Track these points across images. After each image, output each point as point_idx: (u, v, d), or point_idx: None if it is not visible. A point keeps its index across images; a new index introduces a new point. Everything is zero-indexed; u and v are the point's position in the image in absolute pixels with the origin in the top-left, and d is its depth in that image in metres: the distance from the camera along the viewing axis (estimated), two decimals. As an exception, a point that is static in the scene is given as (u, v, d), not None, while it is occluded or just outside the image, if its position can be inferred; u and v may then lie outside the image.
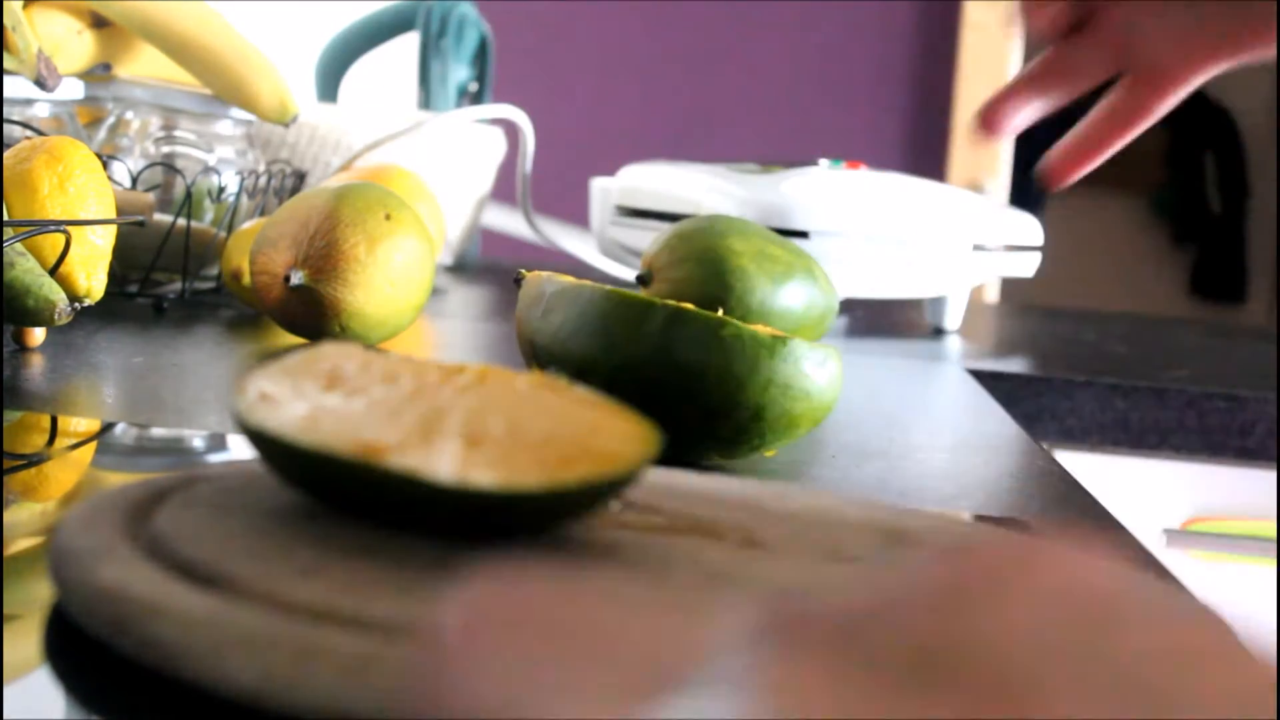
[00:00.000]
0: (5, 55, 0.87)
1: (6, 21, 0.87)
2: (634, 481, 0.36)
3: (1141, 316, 1.59)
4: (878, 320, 1.21)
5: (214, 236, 0.92)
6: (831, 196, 1.01)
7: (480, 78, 1.41)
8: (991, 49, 2.34)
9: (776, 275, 0.73)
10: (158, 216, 0.89)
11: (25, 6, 0.92)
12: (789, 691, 0.16)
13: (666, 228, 0.76)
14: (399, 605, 0.31)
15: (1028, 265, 1.10)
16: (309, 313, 0.73)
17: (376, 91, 1.75)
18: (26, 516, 0.45)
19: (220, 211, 0.96)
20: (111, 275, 0.76)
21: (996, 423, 0.75)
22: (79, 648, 0.32)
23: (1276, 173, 3.47)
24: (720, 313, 0.58)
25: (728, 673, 0.17)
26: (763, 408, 0.53)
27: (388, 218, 0.73)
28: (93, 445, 0.56)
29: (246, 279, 0.84)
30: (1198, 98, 3.53)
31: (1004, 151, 2.37)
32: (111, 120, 0.99)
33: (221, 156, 1.00)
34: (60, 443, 0.57)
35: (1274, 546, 0.98)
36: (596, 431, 0.36)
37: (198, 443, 0.57)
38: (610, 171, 1.18)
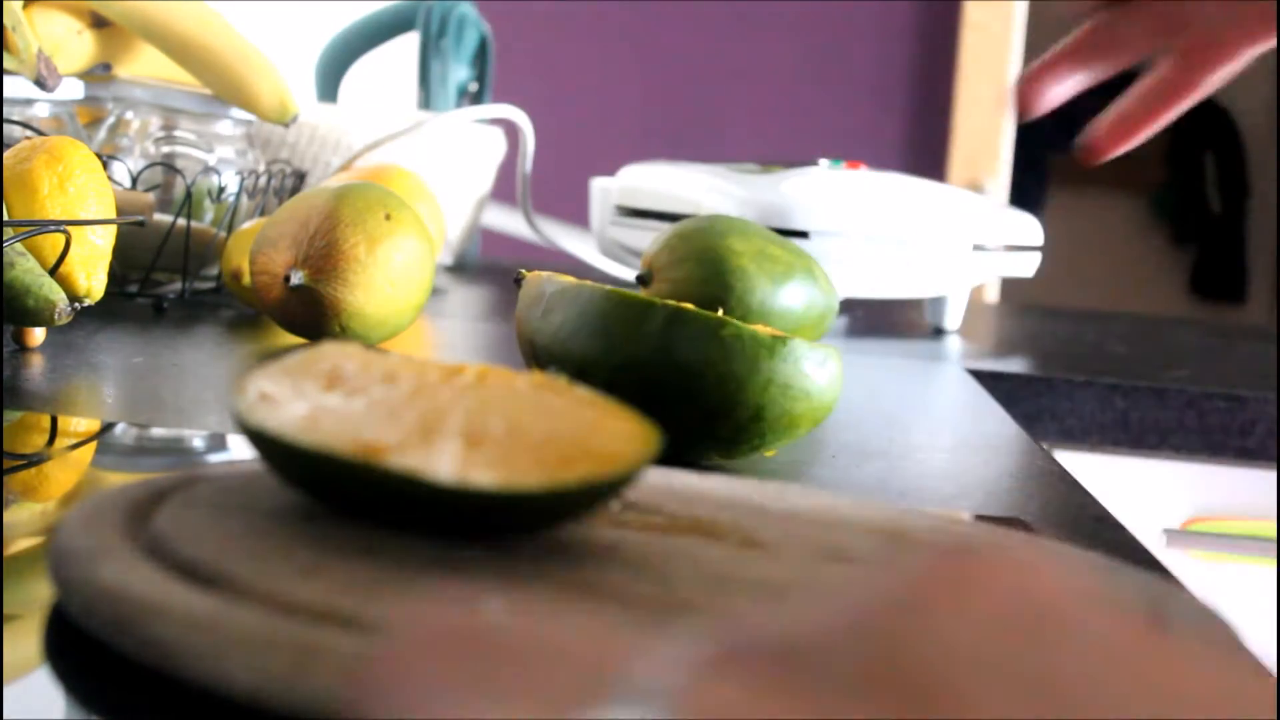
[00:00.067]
0: (5, 55, 0.87)
1: (6, 21, 0.87)
2: (634, 481, 0.36)
3: (1141, 316, 1.59)
4: (878, 320, 1.21)
5: (214, 236, 0.92)
6: (831, 196, 1.01)
7: (480, 78, 1.41)
8: (991, 49, 2.34)
9: (776, 275, 0.73)
10: (158, 216, 0.89)
11: (25, 6, 0.92)
12: (707, 705, 0.16)
13: (666, 228, 0.75)
14: (399, 605, 0.31)
15: (1028, 265, 1.10)
16: (309, 313, 0.73)
17: (376, 91, 1.75)
18: (26, 516, 0.45)
19: (220, 211, 0.96)
20: (111, 275, 0.76)
21: (996, 423, 0.75)
22: (79, 648, 0.32)
23: (1276, 173, 3.47)
24: (720, 313, 0.58)
25: (649, 689, 0.17)
26: (763, 408, 0.53)
27: (388, 218, 0.73)
28: (93, 445, 0.56)
29: (246, 279, 0.84)
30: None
31: (1004, 151, 2.37)
32: (111, 120, 0.99)
33: (221, 156, 1.00)
34: (60, 443, 0.57)
35: (1274, 546, 0.98)
36: (596, 431, 0.36)
37: (198, 443, 0.57)
38: (610, 171, 1.18)
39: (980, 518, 0.53)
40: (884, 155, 2.34)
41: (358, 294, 0.72)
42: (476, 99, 1.41)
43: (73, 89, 0.93)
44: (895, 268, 1.02)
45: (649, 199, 1.08)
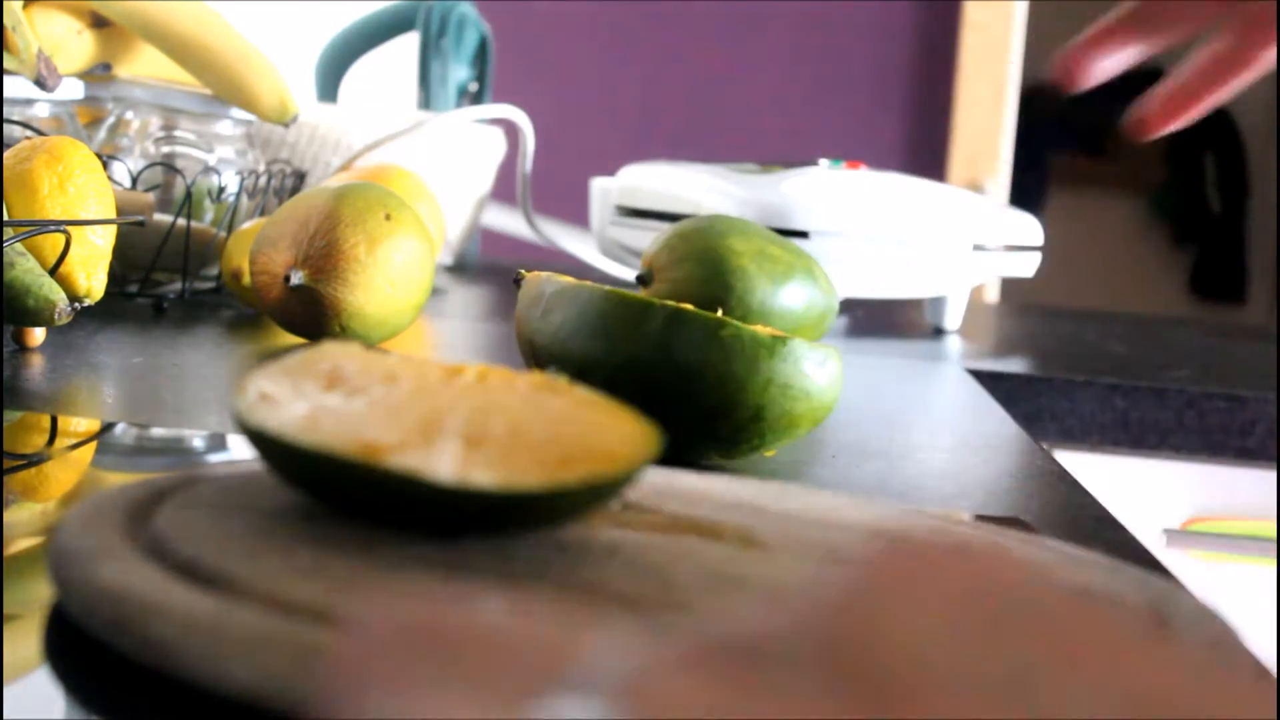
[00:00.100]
0: (5, 55, 0.87)
1: (6, 21, 0.87)
2: (634, 481, 0.36)
3: (1141, 316, 1.59)
4: (878, 320, 1.21)
5: (214, 236, 0.92)
6: (831, 196, 1.01)
7: (480, 78, 1.41)
8: (991, 49, 2.34)
9: (776, 275, 0.73)
10: (158, 216, 0.89)
11: (25, 6, 0.92)
12: (660, 700, 0.16)
13: (666, 228, 0.75)
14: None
15: (1028, 265, 1.10)
16: (309, 313, 0.73)
17: (376, 91, 1.75)
18: (26, 516, 0.45)
19: (220, 211, 0.96)
20: (111, 275, 0.76)
21: (996, 423, 0.75)
22: (79, 648, 0.32)
23: (1276, 173, 3.47)
24: (720, 313, 0.58)
25: (601, 683, 0.17)
26: (763, 408, 0.53)
27: (388, 218, 0.73)
28: (93, 445, 0.56)
29: (246, 279, 0.84)
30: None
31: (1004, 151, 2.37)
32: (111, 120, 0.99)
33: (221, 156, 1.00)
34: (60, 443, 0.57)
35: (1274, 546, 0.98)
36: (596, 431, 0.36)
37: (198, 443, 0.57)
38: (610, 171, 1.18)
39: (980, 518, 0.53)
40: (884, 155, 2.34)
41: (358, 294, 0.72)
42: (476, 99, 1.41)
43: (73, 89, 0.93)
44: (895, 268, 1.02)
45: (649, 199, 1.08)
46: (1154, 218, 3.65)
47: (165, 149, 0.99)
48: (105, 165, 0.77)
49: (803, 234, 1.00)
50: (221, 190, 0.96)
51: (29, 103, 0.91)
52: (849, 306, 1.24)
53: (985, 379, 0.96)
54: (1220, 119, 3.54)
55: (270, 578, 0.32)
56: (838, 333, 1.10)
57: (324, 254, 0.72)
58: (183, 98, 0.98)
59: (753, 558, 0.37)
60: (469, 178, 1.29)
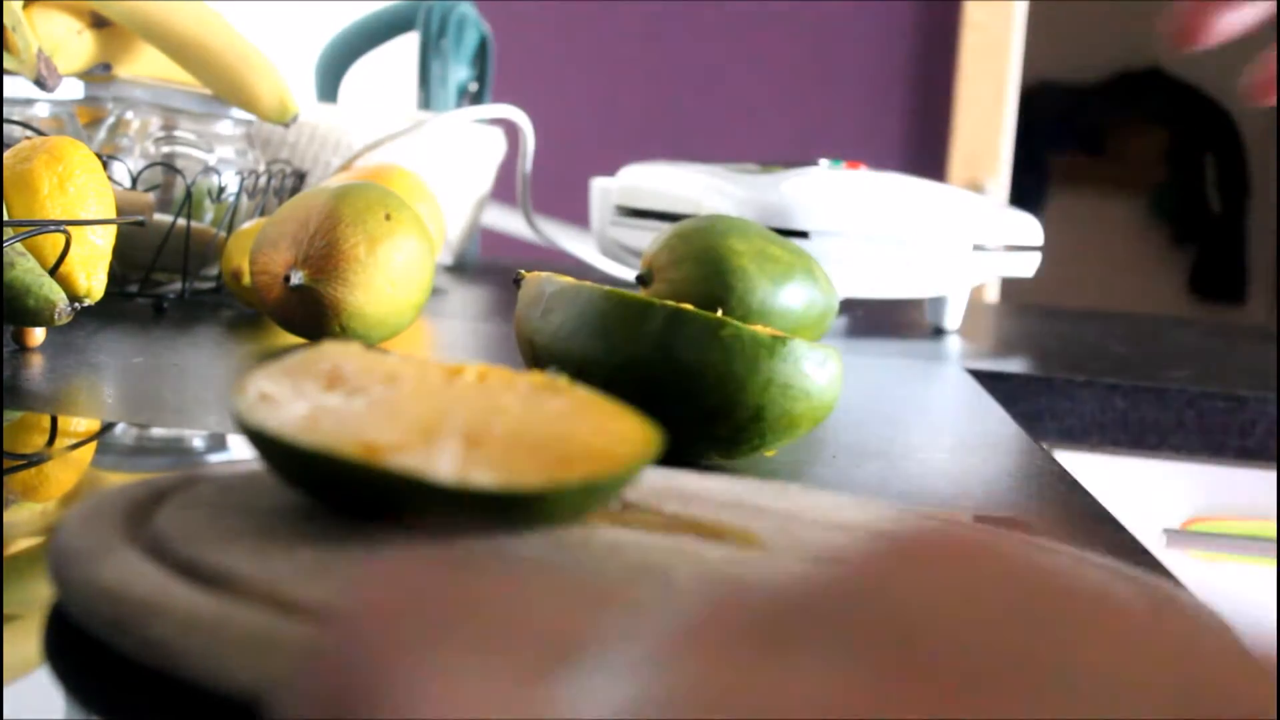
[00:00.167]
0: (5, 55, 0.87)
1: (6, 21, 0.87)
2: (634, 481, 0.36)
3: (1141, 316, 1.59)
4: (878, 320, 1.21)
5: (214, 236, 0.92)
6: (831, 196, 1.01)
7: (480, 78, 1.41)
8: (991, 49, 2.34)
9: (776, 275, 0.73)
10: (158, 216, 0.89)
11: (25, 6, 0.92)
12: (686, 667, 0.16)
13: (666, 228, 0.75)
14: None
15: (1028, 265, 1.10)
16: (309, 313, 0.73)
17: (376, 91, 1.75)
18: (26, 516, 0.45)
19: (220, 211, 0.96)
20: (111, 275, 0.76)
21: (996, 423, 0.75)
22: (79, 648, 0.32)
23: (1276, 173, 3.47)
24: (720, 313, 0.58)
25: (626, 653, 0.17)
26: (763, 408, 0.53)
27: (388, 218, 0.73)
28: (93, 445, 0.56)
29: (246, 279, 0.84)
30: (1198, 98, 3.53)
31: (1004, 151, 2.37)
32: (111, 120, 0.99)
33: (221, 156, 1.00)
34: (60, 443, 0.57)
35: (1274, 546, 0.98)
36: (596, 431, 0.37)
37: (198, 443, 0.57)
38: (610, 171, 1.18)
39: (980, 518, 0.53)
40: (884, 155, 2.34)
41: (358, 294, 0.72)
42: (476, 99, 1.41)
43: (73, 89, 0.94)
44: (895, 268, 1.02)
45: (649, 199, 1.08)
46: (1154, 218, 3.65)
47: (165, 149, 0.99)
48: (105, 165, 0.77)
49: (803, 234, 1.00)
50: (221, 190, 0.96)
51: (29, 103, 0.91)
52: (849, 306, 1.24)
53: (985, 379, 0.96)
54: (1220, 119, 3.54)
55: (270, 578, 0.32)
56: (838, 333, 1.10)
57: (324, 254, 0.72)
58: (183, 98, 0.98)
59: (753, 558, 0.37)
60: (469, 178, 1.29)
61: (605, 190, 1.14)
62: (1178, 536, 1.00)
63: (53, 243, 0.70)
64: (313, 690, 0.18)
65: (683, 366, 0.53)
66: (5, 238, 0.66)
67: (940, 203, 1.06)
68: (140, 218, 0.78)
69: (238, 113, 0.99)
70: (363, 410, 0.37)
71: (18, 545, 0.41)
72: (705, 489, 0.44)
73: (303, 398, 0.37)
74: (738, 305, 0.71)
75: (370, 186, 0.75)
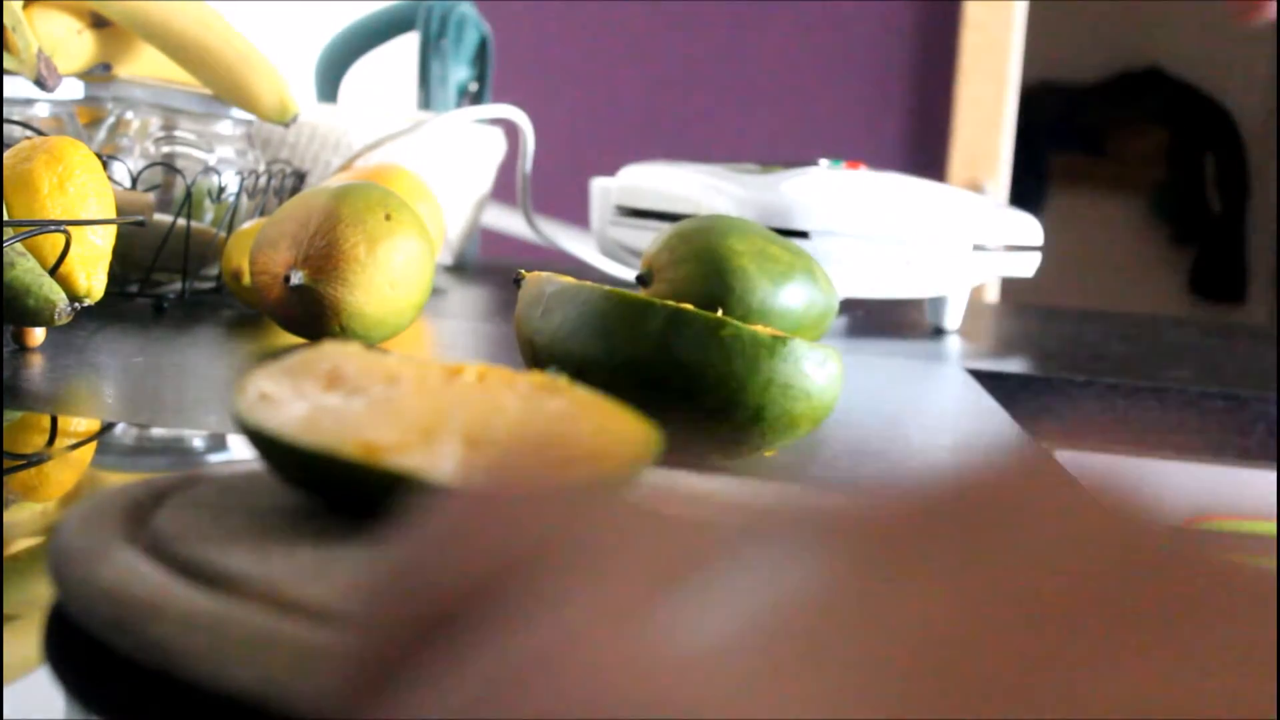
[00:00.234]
0: (5, 55, 0.87)
1: (6, 21, 0.87)
2: (634, 481, 0.36)
3: (1141, 316, 1.59)
4: (878, 320, 1.21)
5: (214, 236, 0.92)
6: (831, 196, 1.01)
7: (480, 78, 1.41)
8: (991, 49, 2.34)
9: (776, 275, 0.73)
10: (158, 216, 0.89)
11: (25, 6, 0.92)
12: (818, 576, 0.16)
13: (666, 228, 0.76)
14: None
15: (1028, 265, 1.10)
16: (309, 313, 0.73)
17: (376, 91, 1.75)
18: (26, 516, 0.45)
19: (220, 211, 0.96)
20: (111, 275, 0.76)
21: (996, 423, 0.75)
22: (79, 648, 0.32)
23: (1276, 173, 3.47)
24: (720, 313, 0.58)
25: (759, 562, 0.16)
26: (763, 408, 0.53)
27: (388, 218, 0.73)
28: (93, 445, 0.56)
29: (246, 279, 0.84)
30: (1198, 98, 3.53)
31: (1004, 151, 2.37)
32: (111, 120, 0.99)
33: (221, 156, 1.00)
34: (60, 443, 0.57)
35: (1274, 546, 0.98)
36: (596, 431, 0.37)
37: (198, 443, 0.57)
38: (610, 171, 1.18)
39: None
40: (884, 155, 2.34)
41: (358, 294, 0.72)
42: (476, 99, 1.41)
43: (73, 89, 0.94)
44: (895, 268, 1.02)
45: (649, 199, 1.08)
46: (1154, 218, 3.65)
47: (165, 149, 0.99)
48: (105, 165, 0.77)
49: (803, 234, 1.00)
50: (221, 190, 0.96)
51: (29, 103, 0.91)
52: (849, 306, 1.24)
53: (985, 379, 0.96)
54: (1220, 119, 3.54)
55: (270, 578, 0.32)
56: (838, 333, 1.09)
57: (324, 254, 0.72)
58: (183, 98, 0.98)
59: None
60: (469, 178, 1.29)
61: (605, 190, 1.14)
62: (1178, 536, 1.00)
63: (53, 243, 0.70)
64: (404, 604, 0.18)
65: (683, 366, 0.53)
66: (5, 238, 0.66)
67: (940, 203, 1.06)
68: (140, 218, 0.78)
69: (238, 113, 0.99)
70: (363, 410, 0.37)
71: (18, 545, 0.41)
72: (705, 489, 0.44)
73: (303, 398, 0.37)
74: (738, 305, 0.71)
75: (370, 186, 0.75)
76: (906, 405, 0.84)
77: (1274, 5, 0.58)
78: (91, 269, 0.72)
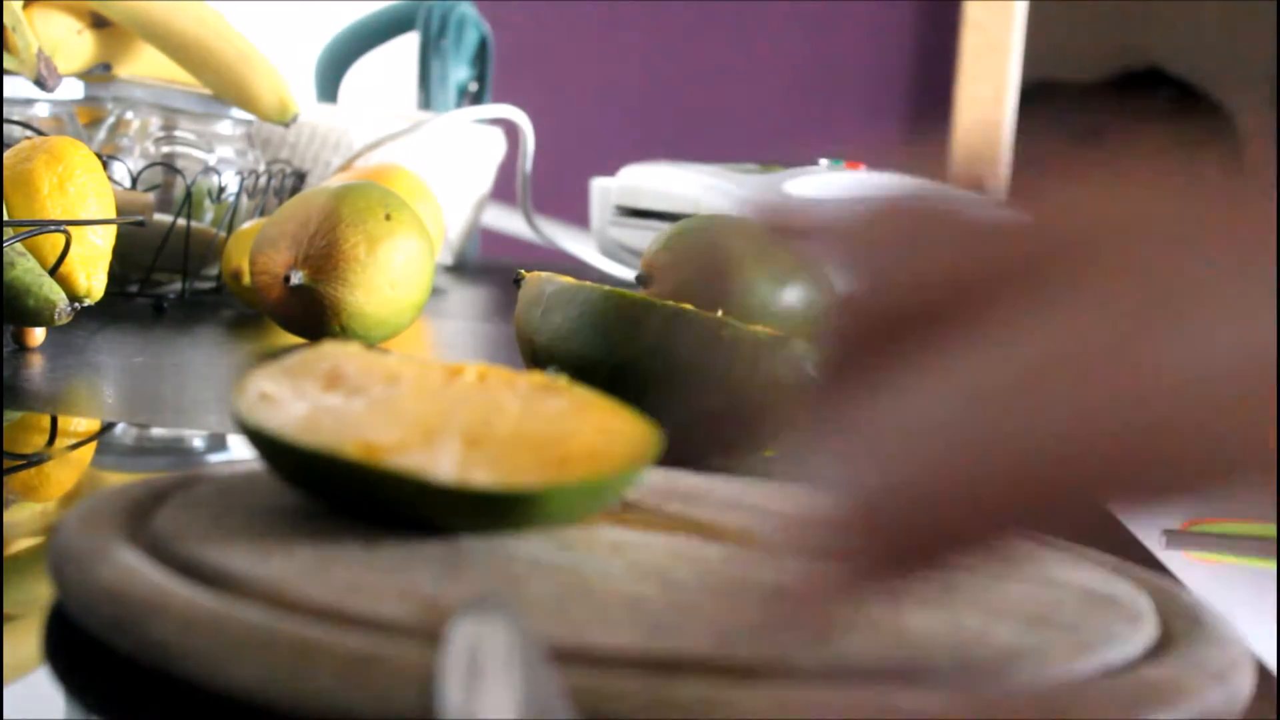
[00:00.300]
0: (5, 55, 0.87)
1: (6, 21, 0.87)
2: (634, 481, 0.36)
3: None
4: (878, 320, 1.20)
5: (214, 236, 0.92)
6: (831, 196, 1.01)
7: (480, 78, 1.41)
8: (991, 49, 2.34)
9: (776, 275, 0.73)
10: (158, 216, 0.89)
11: (25, 6, 0.92)
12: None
13: (666, 228, 0.75)
14: (400, 606, 0.31)
15: (1028, 265, 1.10)
16: (309, 313, 0.73)
17: (376, 91, 1.75)
18: (26, 516, 0.45)
19: (220, 211, 0.96)
20: (111, 275, 0.76)
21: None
22: (79, 648, 0.32)
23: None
24: (720, 313, 0.58)
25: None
26: (763, 408, 0.53)
27: (388, 218, 0.73)
28: (93, 445, 0.56)
29: (246, 279, 0.84)
30: (1198, 98, 3.53)
31: (1004, 151, 2.37)
32: (111, 120, 0.99)
33: (221, 156, 1.00)
34: (60, 443, 0.57)
35: (1274, 546, 0.98)
36: (596, 431, 0.36)
37: (198, 443, 0.57)
38: (610, 171, 1.18)
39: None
40: (884, 155, 2.34)
41: (358, 294, 0.72)
42: (476, 99, 1.41)
43: (73, 89, 0.93)
44: (895, 268, 1.02)
45: (649, 199, 1.08)
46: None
47: (165, 149, 0.99)
48: (105, 165, 0.77)
49: (803, 234, 0.99)
50: (221, 190, 0.96)
51: (29, 103, 0.91)
52: (849, 306, 1.24)
53: (985, 379, 0.96)
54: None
55: (271, 577, 0.32)
56: (838, 333, 1.09)
57: (324, 254, 0.72)
58: (183, 98, 0.98)
59: (753, 558, 0.37)
60: (469, 178, 1.29)
61: (605, 190, 1.14)
62: (1178, 536, 1.00)
63: (53, 243, 0.70)
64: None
65: (683, 366, 0.53)
66: (5, 238, 0.66)
67: (940, 203, 1.05)
68: (140, 218, 0.78)
69: (238, 113, 0.99)
70: (363, 410, 0.37)
71: (18, 545, 0.41)
72: (705, 489, 0.44)
73: (303, 398, 0.37)
74: (738, 305, 0.71)
75: (370, 186, 0.75)
76: (906, 405, 0.84)
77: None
78: (91, 269, 0.72)
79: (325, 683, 0.28)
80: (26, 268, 0.67)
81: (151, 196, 0.90)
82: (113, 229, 0.74)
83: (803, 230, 0.19)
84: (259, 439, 0.36)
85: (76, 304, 0.70)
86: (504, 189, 1.53)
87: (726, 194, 1.02)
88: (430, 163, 1.23)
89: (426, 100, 1.38)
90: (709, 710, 0.27)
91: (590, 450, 0.36)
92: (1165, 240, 0.18)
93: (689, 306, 0.53)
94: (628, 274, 1.23)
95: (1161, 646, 0.34)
